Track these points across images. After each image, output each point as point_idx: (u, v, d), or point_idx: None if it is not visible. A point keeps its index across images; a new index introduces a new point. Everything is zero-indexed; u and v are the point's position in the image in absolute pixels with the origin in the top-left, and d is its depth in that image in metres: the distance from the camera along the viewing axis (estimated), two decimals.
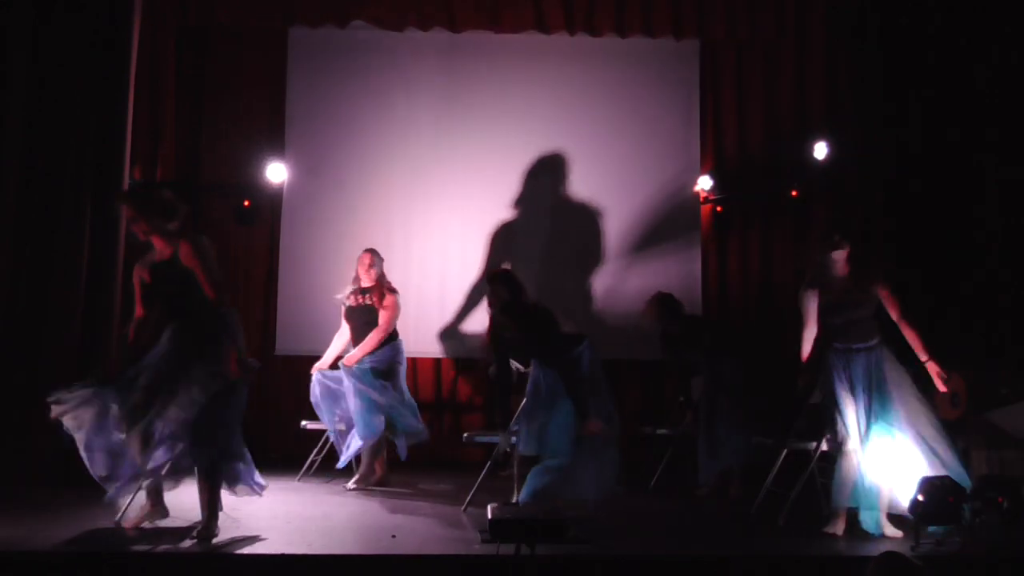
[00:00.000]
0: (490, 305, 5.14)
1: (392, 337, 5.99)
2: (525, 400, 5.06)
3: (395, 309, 5.96)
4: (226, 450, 4.39)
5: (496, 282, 5.17)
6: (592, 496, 4.91)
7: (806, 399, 4.96)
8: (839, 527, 4.64)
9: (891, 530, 4.60)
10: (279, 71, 7.41)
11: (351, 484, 5.91)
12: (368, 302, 5.94)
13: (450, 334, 7.28)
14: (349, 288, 6.07)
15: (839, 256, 4.77)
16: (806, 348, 4.84)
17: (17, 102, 5.71)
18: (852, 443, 4.62)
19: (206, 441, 4.29)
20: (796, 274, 7.22)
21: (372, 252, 6.03)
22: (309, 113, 7.37)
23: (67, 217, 5.76)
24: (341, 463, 5.91)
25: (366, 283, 5.98)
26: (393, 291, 6.00)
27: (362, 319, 5.95)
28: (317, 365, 6.04)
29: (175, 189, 6.94)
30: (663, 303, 6.23)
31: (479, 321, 7.25)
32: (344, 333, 6.11)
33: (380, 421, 5.83)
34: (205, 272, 4.29)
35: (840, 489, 4.64)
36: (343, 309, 6.08)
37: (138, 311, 4.47)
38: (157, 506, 4.50)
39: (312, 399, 5.96)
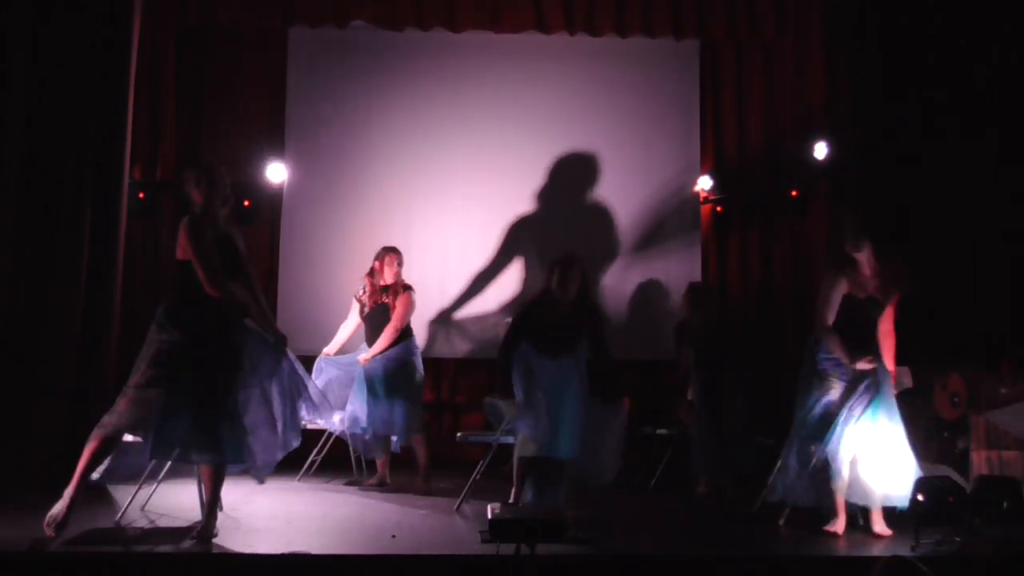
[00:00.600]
0: (561, 285, 5.04)
1: (406, 335, 6.03)
2: (523, 399, 5.02)
3: (409, 305, 6.02)
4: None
5: (578, 266, 5.12)
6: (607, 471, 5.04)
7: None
8: (839, 526, 4.65)
9: (881, 528, 4.62)
10: (279, 71, 7.41)
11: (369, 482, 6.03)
12: (385, 300, 6.00)
13: (450, 334, 7.28)
14: (364, 285, 6.11)
15: (863, 257, 4.75)
16: (839, 349, 4.66)
17: (17, 102, 5.71)
18: (841, 450, 4.64)
19: (219, 441, 4.31)
20: (795, 274, 7.30)
21: (397, 251, 6.09)
22: (309, 113, 7.37)
23: (67, 217, 5.75)
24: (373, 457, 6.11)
25: (387, 281, 6.02)
26: (408, 288, 6.06)
27: (379, 319, 6.00)
28: (325, 350, 6.10)
29: (174, 189, 7.03)
30: (700, 293, 6.30)
31: (479, 321, 7.26)
32: (350, 323, 6.19)
33: (387, 424, 5.91)
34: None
35: (834, 490, 4.68)
36: (358, 308, 6.13)
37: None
38: None
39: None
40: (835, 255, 4.88)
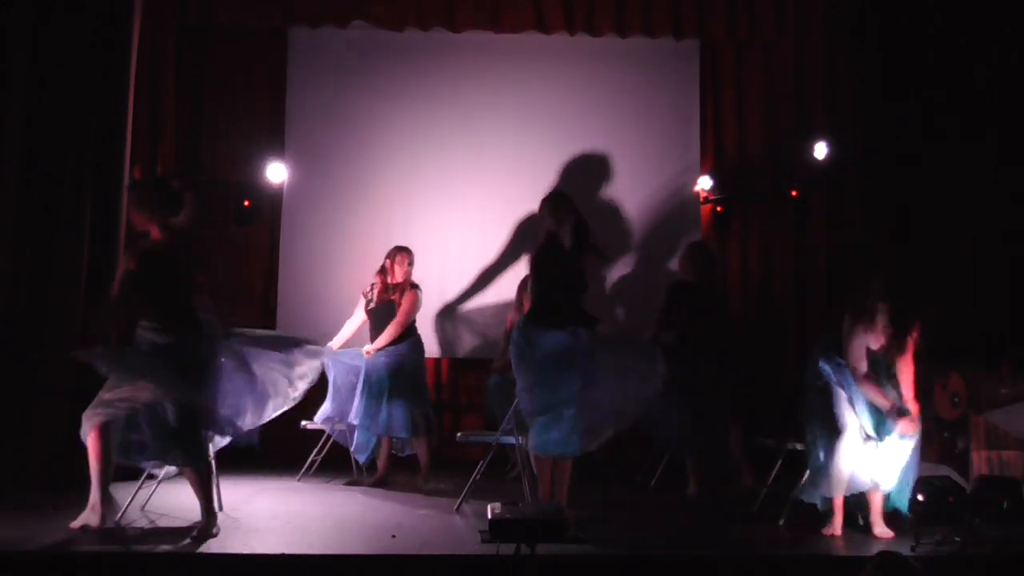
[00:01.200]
0: (556, 221, 4.97)
1: (411, 333, 6.06)
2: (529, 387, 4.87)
3: (414, 303, 6.06)
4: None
5: (567, 199, 5.07)
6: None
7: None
8: (836, 527, 4.66)
9: (882, 530, 4.62)
10: (279, 71, 7.41)
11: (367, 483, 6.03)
12: (392, 298, 6.01)
13: (450, 334, 7.28)
14: (373, 282, 6.13)
15: (880, 309, 4.73)
16: (878, 395, 4.63)
17: (17, 102, 5.71)
18: (845, 441, 4.66)
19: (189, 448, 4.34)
20: (795, 274, 7.29)
21: (409, 250, 6.12)
22: (309, 113, 7.36)
23: (67, 217, 5.75)
24: (364, 459, 6.07)
25: (397, 279, 6.03)
26: (415, 287, 6.08)
27: (384, 315, 6.01)
28: (328, 344, 6.08)
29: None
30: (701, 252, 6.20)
31: (479, 321, 7.26)
32: (356, 319, 6.21)
33: (379, 424, 5.90)
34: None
35: (834, 484, 4.69)
36: (363, 303, 6.16)
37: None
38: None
39: (331, 384, 6.05)
40: (854, 305, 4.86)
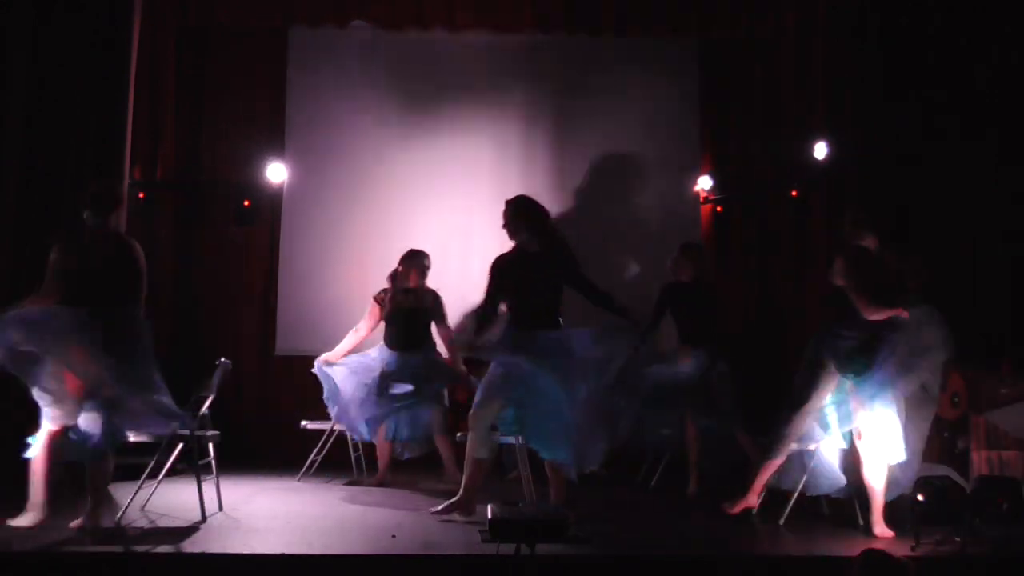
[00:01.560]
0: (511, 230, 4.93)
1: (428, 337, 6.11)
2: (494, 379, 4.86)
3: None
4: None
5: (527, 205, 4.96)
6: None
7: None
8: (752, 499, 4.89)
9: (882, 530, 4.62)
10: (279, 71, 7.42)
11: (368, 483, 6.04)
12: (412, 305, 5.99)
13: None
14: (387, 287, 6.10)
15: (870, 243, 4.77)
16: (884, 312, 4.65)
17: (17, 102, 5.72)
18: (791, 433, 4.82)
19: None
20: (795, 274, 7.29)
21: (425, 255, 6.13)
22: (309, 113, 7.37)
23: (67, 217, 5.75)
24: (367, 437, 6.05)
25: (412, 284, 6.02)
26: (437, 293, 6.12)
27: (407, 320, 6.02)
28: (326, 357, 6.01)
29: (176, 188, 7.04)
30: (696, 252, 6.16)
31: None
32: (362, 330, 6.12)
33: (388, 427, 5.96)
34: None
35: (776, 446, 4.88)
36: (378, 309, 6.09)
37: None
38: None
39: (340, 393, 5.99)
40: (843, 246, 4.89)
